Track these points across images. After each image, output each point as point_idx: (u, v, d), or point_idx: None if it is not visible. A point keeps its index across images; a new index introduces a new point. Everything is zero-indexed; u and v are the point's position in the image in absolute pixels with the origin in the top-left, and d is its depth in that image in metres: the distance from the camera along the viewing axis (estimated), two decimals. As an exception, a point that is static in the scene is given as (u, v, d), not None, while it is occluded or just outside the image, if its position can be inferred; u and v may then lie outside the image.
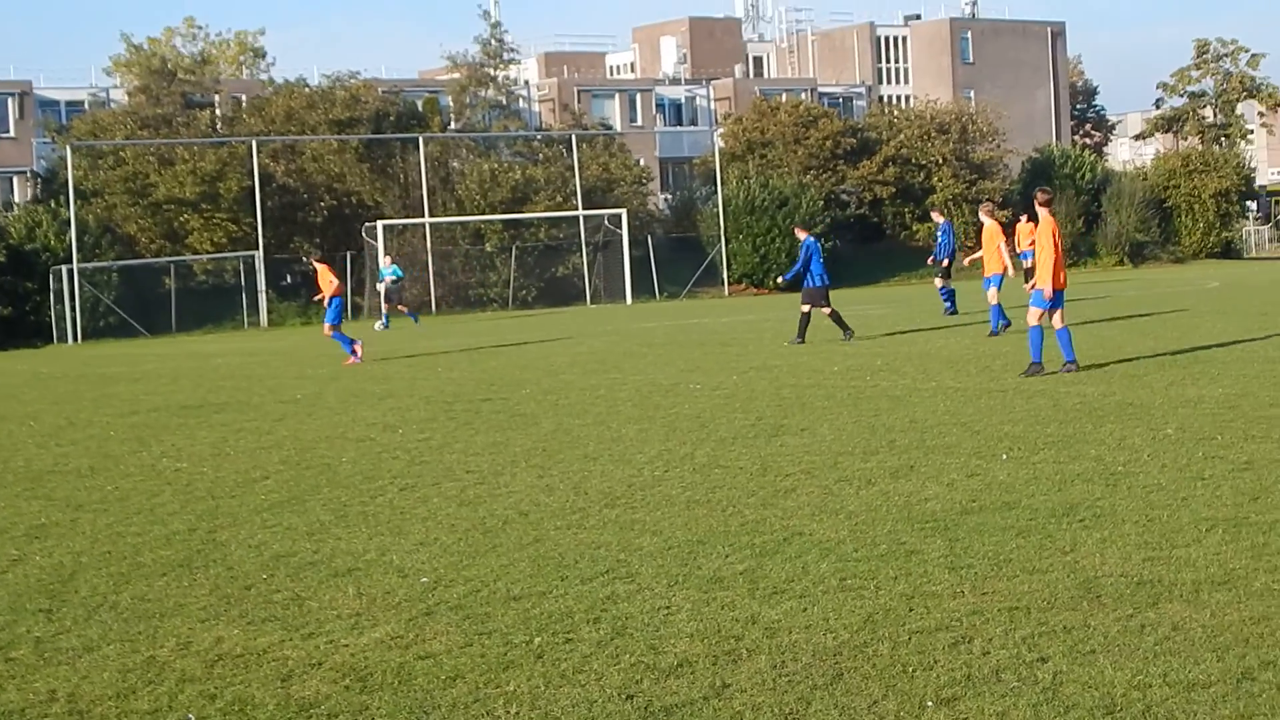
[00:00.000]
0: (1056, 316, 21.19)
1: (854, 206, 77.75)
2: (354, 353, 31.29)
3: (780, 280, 32.50)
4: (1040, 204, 21.43)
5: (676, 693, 7.44)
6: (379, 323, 49.98)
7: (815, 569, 9.82)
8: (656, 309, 56.57)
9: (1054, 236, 21.14)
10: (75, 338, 56.73)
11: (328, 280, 32.15)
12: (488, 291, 66.40)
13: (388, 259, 52.04)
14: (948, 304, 36.80)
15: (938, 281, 37.63)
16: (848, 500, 12.23)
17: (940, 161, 77.33)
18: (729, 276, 70.35)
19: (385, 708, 7.47)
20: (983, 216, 31.46)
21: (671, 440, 16.48)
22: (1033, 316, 21.08)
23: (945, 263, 36.94)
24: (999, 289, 29.49)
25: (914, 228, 77.43)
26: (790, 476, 13.56)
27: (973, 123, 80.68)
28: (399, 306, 50.48)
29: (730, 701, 7.26)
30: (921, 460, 14.07)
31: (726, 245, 69.98)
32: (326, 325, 32.05)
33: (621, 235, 65.91)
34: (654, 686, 7.56)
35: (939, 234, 37.83)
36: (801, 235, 31.03)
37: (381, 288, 51.45)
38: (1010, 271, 30.10)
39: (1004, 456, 13.96)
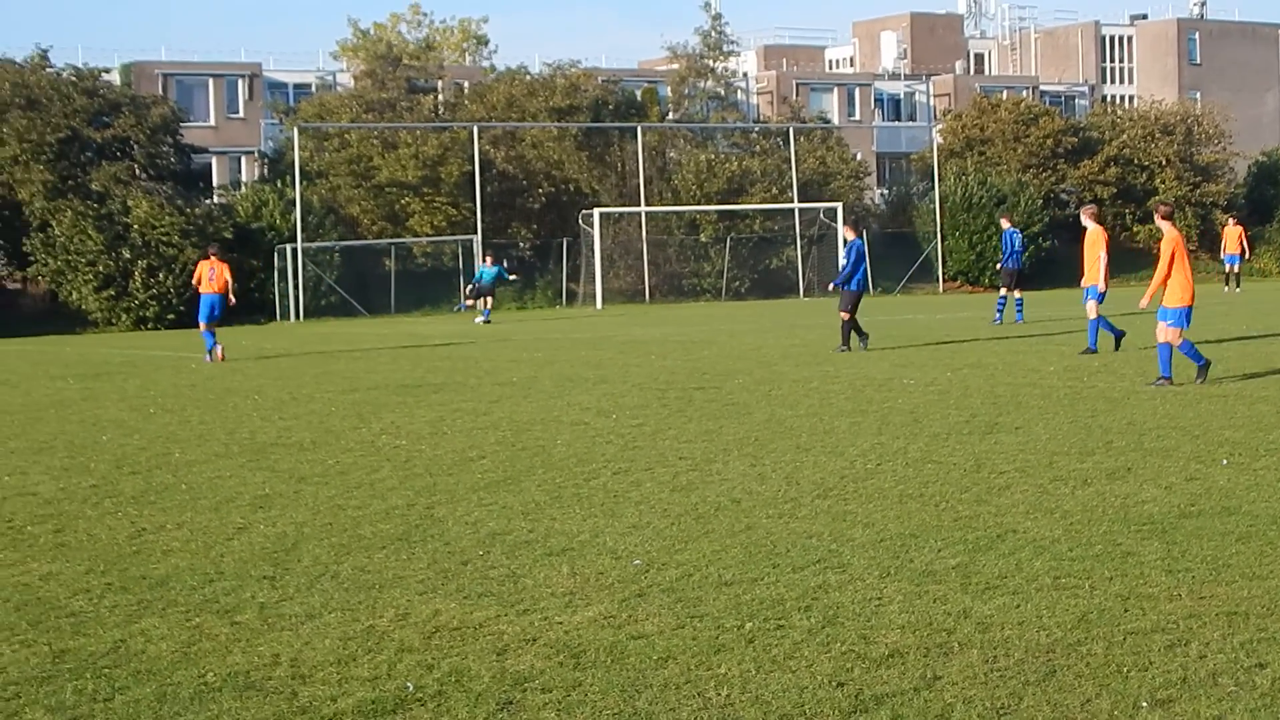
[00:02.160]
0: (1171, 333, 20.37)
1: (1073, 206, 76.64)
2: (212, 353, 32.17)
3: (832, 287, 30.49)
4: (1162, 217, 20.96)
5: (887, 682, 7.46)
6: (479, 317, 49.81)
7: (1029, 566, 9.76)
8: (870, 304, 56.12)
9: (1176, 251, 20.39)
10: (297, 315, 57.98)
11: (221, 278, 32.71)
12: (701, 281, 66.58)
13: (489, 259, 51.67)
14: (998, 314, 36.48)
15: (1002, 291, 36.97)
16: (1063, 500, 12.12)
17: (1164, 163, 75.95)
18: (944, 273, 69.83)
19: (598, 684, 7.58)
20: (1085, 220, 27.74)
21: (884, 434, 16.45)
22: (1170, 335, 20.36)
23: (1012, 270, 36.40)
24: (1099, 302, 26.46)
25: (1134, 229, 76.15)
26: (1004, 474, 13.47)
27: (1198, 124, 79.11)
28: (468, 300, 50.54)
29: (941, 693, 7.26)
30: (1139, 462, 13.89)
31: (942, 242, 69.46)
32: (201, 323, 32.88)
33: (836, 229, 65.64)
34: (865, 675, 7.58)
35: (1005, 241, 37.20)
36: (850, 236, 29.69)
37: (472, 289, 51.11)
38: (1101, 285, 26.50)
39: (1224, 462, 13.74)
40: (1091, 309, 26.48)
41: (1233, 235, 55.08)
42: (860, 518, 11.60)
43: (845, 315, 28.74)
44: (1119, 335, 26.48)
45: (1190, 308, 20.39)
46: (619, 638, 8.39)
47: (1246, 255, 57.03)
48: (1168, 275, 20.48)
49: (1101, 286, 26.50)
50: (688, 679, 7.62)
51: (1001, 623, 8.44)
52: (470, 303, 51.28)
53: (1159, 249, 21.01)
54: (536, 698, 7.41)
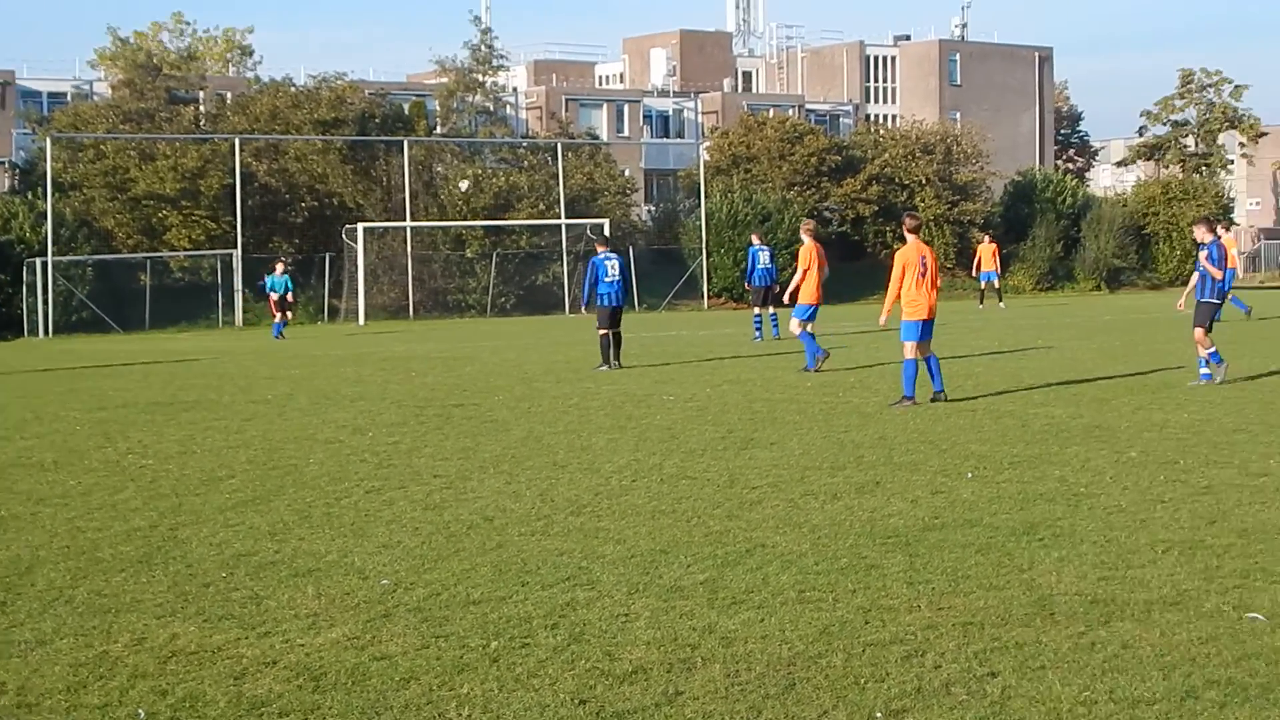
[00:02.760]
0: (911, 348, 20.62)
1: (836, 224, 77.80)
2: None
3: (749, 286, 31.89)
4: (908, 229, 21.14)
5: (629, 699, 7.46)
6: (275, 331, 48.89)
7: (775, 581, 9.84)
8: (635, 320, 56.51)
9: (914, 266, 20.64)
10: (47, 331, 56.37)
11: None
12: (466, 297, 66.28)
13: (280, 266, 50.75)
14: (756, 333, 36.64)
15: (756, 309, 37.17)
16: (812, 514, 12.26)
17: (924, 182, 77.40)
18: (709, 290, 70.35)
19: (337, 707, 7.46)
20: (804, 235, 28.28)
21: (641, 450, 16.50)
22: (793, 325, 21.05)
23: (759, 288, 36.70)
24: (804, 320, 26.41)
25: (895, 246, 77.48)
26: (757, 489, 13.59)
27: (957, 144, 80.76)
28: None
29: (682, 709, 7.28)
30: (888, 476, 14.11)
31: (708, 259, 70.00)
32: None
33: (596, 243, 65.81)
34: (607, 692, 7.57)
35: (750, 258, 37.48)
36: (600, 250, 30.04)
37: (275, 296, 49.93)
38: (807, 300, 26.79)
39: (969, 475, 14.01)
40: (794, 325, 26.71)
41: (987, 252, 56.32)
42: (612, 534, 11.60)
43: (602, 331, 28.84)
44: (819, 354, 26.28)
45: (817, 306, 21.65)
46: (361, 659, 8.27)
47: (999, 272, 58.23)
48: (899, 292, 20.71)
49: (807, 300, 26.96)
50: (429, 700, 7.54)
51: (745, 637, 8.49)
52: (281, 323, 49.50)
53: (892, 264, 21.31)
54: (272, 722, 7.30)
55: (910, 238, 21.04)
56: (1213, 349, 22.08)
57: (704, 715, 7.18)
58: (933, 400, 20.42)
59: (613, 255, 29.53)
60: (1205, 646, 8.05)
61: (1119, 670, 7.68)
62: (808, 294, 26.96)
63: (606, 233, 63.93)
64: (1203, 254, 22.42)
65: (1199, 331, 22.19)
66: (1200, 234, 22.56)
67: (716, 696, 7.44)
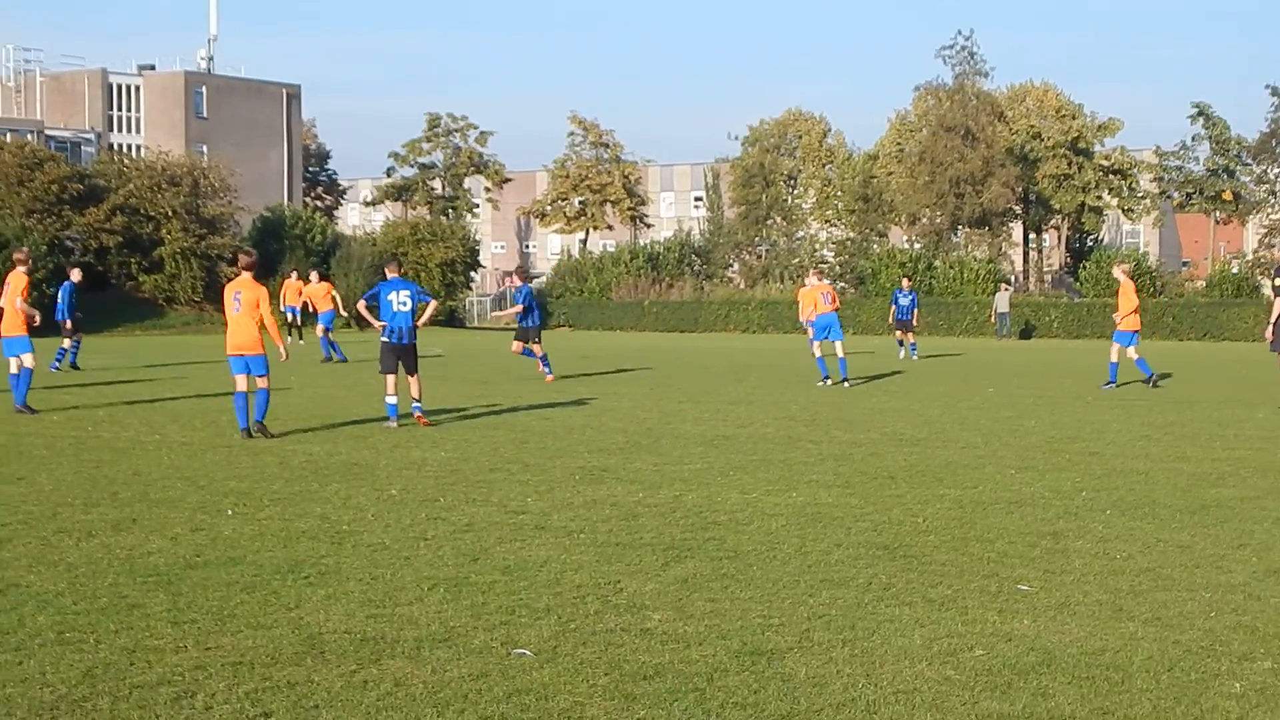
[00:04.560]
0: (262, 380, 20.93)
1: (79, 254, 75.66)
2: None
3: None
4: (245, 268, 21.17)
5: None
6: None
7: (33, 621, 9.46)
8: None
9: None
10: None
11: None
12: None
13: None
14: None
15: None
16: (67, 552, 11.85)
17: (170, 214, 76.37)
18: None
19: None
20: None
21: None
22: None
23: None
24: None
25: (140, 278, 76.12)
26: (6, 526, 13.02)
27: (205, 177, 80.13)
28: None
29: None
30: (145, 513, 13.81)
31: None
32: None
33: None
34: None
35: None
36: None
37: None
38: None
39: (230, 512, 13.89)
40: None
41: (293, 289, 55.06)
42: None
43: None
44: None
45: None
46: None
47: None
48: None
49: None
50: None
51: (4, 680, 8.13)
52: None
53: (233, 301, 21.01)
54: None
55: (245, 274, 21.04)
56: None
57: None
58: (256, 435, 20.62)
59: None
60: (476, 683, 8.23)
61: (393, 708, 7.77)
62: None
63: None
64: None
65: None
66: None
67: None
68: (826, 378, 32.14)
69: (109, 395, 27.76)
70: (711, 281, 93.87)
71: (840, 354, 32.72)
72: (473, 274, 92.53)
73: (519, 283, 34.18)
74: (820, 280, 35.18)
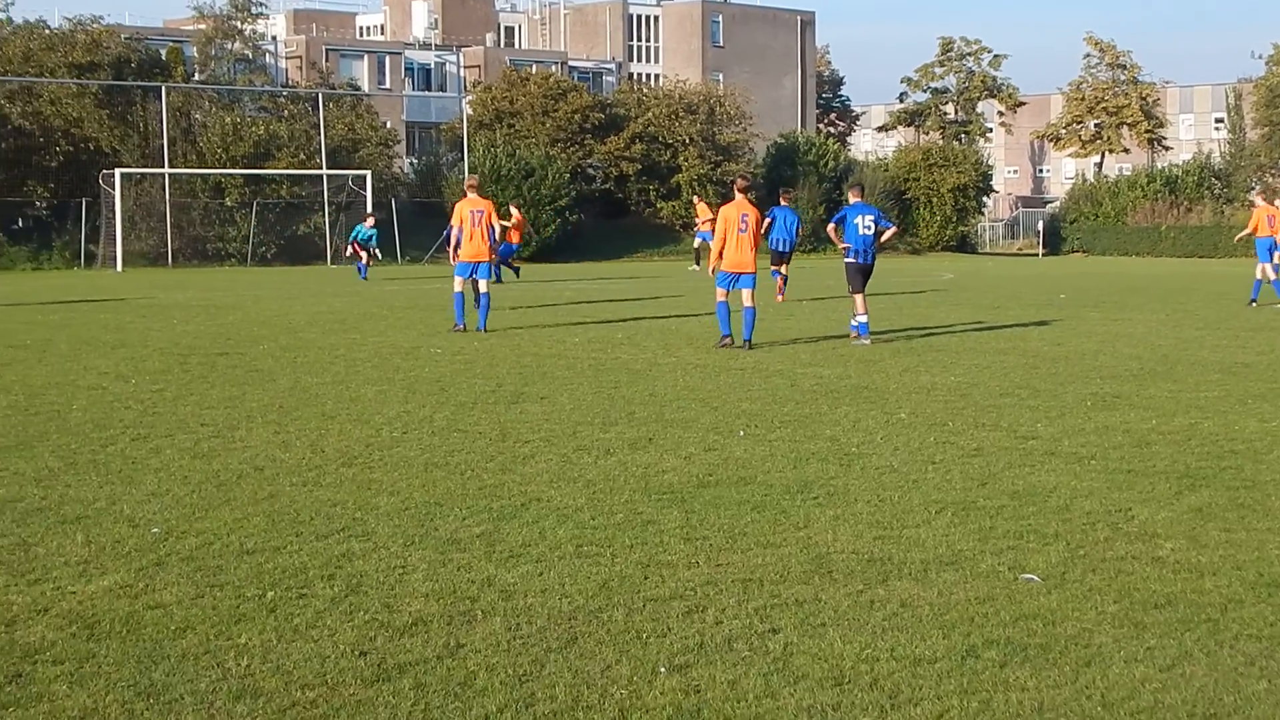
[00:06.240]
0: (746, 295, 22.21)
1: (600, 181, 77.98)
2: None
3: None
4: (739, 189, 22.70)
5: (410, 651, 7.40)
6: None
7: (552, 535, 9.84)
8: (399, 272, 56.14)
9: (735, 222, 22.18)
10: None
11: None
12: (226, 246, 65.14)
13: (371, 220, 50.70)
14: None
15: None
16: (586, 469, 12.27)
17: (687, 141, 77.87)
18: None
19: (113, 656, 7.30)
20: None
21: (410, 403, 16.38)
22: (719, 294, 22.42)
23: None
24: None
25: (658, 205, 77.97)
26: (529, 444, 13.56)
27: (720, 105, 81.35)
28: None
29: (464, 661, 7.24)
30: (660, 433, 14.18)
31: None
32: None
33: (365, 196, 65.19)
34: (388, 644, 7.51)
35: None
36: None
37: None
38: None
39: (741, 433, 14.14)
40: None
41: (704, 210, 56.15)
42: (385, 486, 11.50)
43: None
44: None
45: (735, 274, 22.21)
46: (135, 607, 8.10)
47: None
48: (721, 246, 22.24)
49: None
50: (206, 649, 7.41)
51: (524, 590, 8.48)
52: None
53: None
54: (47, 670, 7.09)
55: (738, 196, 22.47)
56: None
57: (487, 668, 7.14)
58: (740, 347, 22.05)
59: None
60: (983, 606, 8.18)
61: (899, 628, 7.79)
62: None
63: (369, 185, 63.49)
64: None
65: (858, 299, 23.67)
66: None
67: (499, 650, 7.42)
68: None
69: (628, 318, 28.55)
70: (1232, 205, 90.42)
71: None
72: (985, 199, 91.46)
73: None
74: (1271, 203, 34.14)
